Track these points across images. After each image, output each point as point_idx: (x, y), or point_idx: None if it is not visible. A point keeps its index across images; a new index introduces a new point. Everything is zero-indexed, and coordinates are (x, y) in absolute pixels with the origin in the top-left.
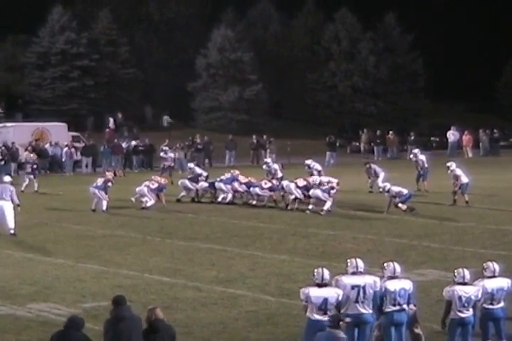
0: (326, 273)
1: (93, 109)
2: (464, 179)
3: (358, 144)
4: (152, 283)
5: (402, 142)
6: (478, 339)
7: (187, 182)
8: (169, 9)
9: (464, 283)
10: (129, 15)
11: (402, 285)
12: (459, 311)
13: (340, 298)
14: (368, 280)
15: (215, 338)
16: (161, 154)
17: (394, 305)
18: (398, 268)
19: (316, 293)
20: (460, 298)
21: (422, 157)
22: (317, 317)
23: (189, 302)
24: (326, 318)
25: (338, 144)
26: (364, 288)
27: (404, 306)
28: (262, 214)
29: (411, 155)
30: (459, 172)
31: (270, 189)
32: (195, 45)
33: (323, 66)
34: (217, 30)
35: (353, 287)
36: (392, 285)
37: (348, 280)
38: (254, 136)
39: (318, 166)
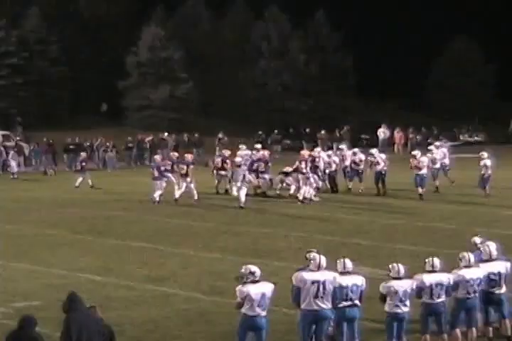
0: (257, 269)
1: (23, 107)
2: (489, 171)
3: (288, 142)
4: (84, 282)
5: (331, 140)
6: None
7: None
8: (98, 7)
9: (399, 278)
10: (58, 13)
11: (354, 280)
12: (396, 306)
13: (273, 291)
14: (328, 276)
15: (148, 337)
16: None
17: (346, 301)
18: (349, 264)
19: (254, 289)
20: (397, 292)
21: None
22: (257, 311)
23: (121, 301)
24: (263, 314)
25: (269, 142)
26: (324, 283)
27: (356, 302)
28: (194, 213)
29: (368, 157)
30: (488, 163)
31: None
32: (125, 44)
33: (253, 64)
34: (147, 28)
35: (312, 282)
36: (345, 281)
37: (308, 275)
38: (185, 135)
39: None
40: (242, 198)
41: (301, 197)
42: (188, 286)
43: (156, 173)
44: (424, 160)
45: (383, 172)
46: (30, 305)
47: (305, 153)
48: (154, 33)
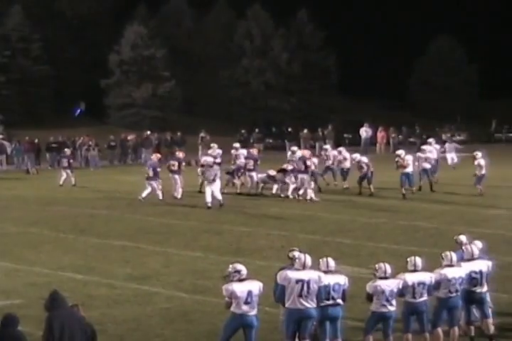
0: (243, 267)
1: (5, 106)
2: (483, 171)
3: (270, 141)
4: (66, 281)
5: (313, 139)
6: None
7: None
8: (81, 5)
9: (386, 278)
10: (41, 12)
11: (336, 279)
12: (383, 305)
13: (261, 289)
14: (313, 276)
15: (129, 335)
16: (232, 151)
17: (328, 300)
18: (332, 263)
19: (240, 287)
20: (383, 292)
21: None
22: (244, 309)
23: (103, 300)
24: (252, 313)
25: (251, 141)
26: (308, 282)
27: (339, 300)
28: (176, 212)
29: (352, 162)
30: (482, 162)
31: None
32: (108, 42)
33: (236, 63)
34: (129, 26)
35: (297, 281)
36: (327, 280)
37: (293, 274)
38: (168, 133)
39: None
40: (208, 198)
41: (313, 195)
42: (170, 285)
43: (151, 173)
44: (409, 158)
45: (368, 175)
46: (12, 304)
47: (307, 152)
48: (137, 31)
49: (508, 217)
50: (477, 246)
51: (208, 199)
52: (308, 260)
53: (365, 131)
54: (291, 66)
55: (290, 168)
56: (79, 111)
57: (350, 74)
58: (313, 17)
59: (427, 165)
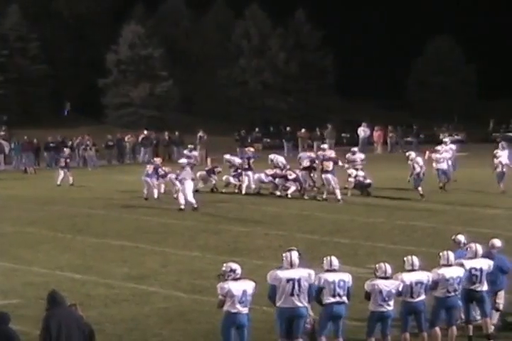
0: (238, 266)
1: (4, 105)
2: (499, 168)
3: (268, 141)
4: (64, 280)
5: (311, 138)
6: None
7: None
8: (79, 5)
9: (386, 278)
10: (38, 11)
11: (341, 276)
12: (380, 305)
13: (254, 289)
14: (303, 274)
15: (127, 335)
16: (224, 161)
17: (333, 296)
18: (335, 262)
19: (236, 286)
20: (381, 291)
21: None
22: (238, 308)
23: (101, 300)
24: (245, 312)
25: (249, 140)
26: (299, 281)
27: (344, 298)
28: (173, 211)
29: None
30: (503, 160)
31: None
32: (106, 41)
33: (233, 62)
34: (127, 26)
35: (288, 280)
36: (331, 277)
37: (284, 273)
38: (166, 133)
39: (282, 159)
40: (181, 200)
41: (339, 197)
42: (168, 284)
43: (151, 171)
44: (419, 160)
45: (363, 185)
46: (9, 303)
47: (331, 152)
48: (134, 30)
49: (505, 216)
50: (495, 244)
51: (181, 201)
52: (295, 257)
53: (362, 131)
54: (289, 66)
55: (292, 177)
56: (66, 112)
57: (347, 74)
58: (310, 17)
59: (444, 166)
